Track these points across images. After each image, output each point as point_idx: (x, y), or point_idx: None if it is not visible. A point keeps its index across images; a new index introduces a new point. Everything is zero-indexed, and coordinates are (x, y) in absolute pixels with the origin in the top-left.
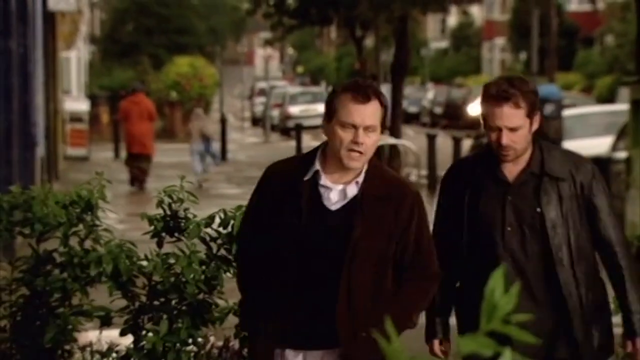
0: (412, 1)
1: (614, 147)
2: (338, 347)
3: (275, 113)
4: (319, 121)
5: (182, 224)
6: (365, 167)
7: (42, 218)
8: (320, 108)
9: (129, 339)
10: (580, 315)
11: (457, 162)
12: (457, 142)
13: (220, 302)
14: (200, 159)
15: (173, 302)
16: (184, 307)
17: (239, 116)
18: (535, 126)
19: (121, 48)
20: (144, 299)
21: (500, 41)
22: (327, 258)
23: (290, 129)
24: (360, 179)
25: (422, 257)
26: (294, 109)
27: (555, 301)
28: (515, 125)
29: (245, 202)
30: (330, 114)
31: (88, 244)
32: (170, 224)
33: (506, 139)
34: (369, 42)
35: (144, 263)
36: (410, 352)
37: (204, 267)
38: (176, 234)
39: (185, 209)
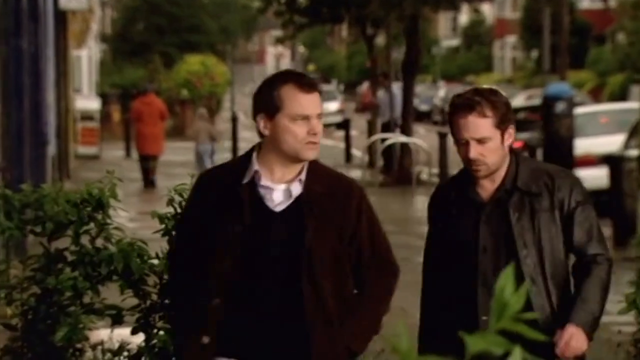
0: None
1: (626, 145)
2: None
3: None
4: (330, 119)
5: None
6: (306, 164)
7: (53, 216)
8: (332, 106)
9: (140, 338)
10: (553, 331)
11: (437, 187)
12: None
13: None
14: (206, 158)
15: None
16: None
17: (250, 115)
18: (509, 140)
19: (132, 46)
20: (155, 297)
21: (511, 39)
22: (279, 265)
23: None
24: (303, 176)
25: (380, 253)
26: None
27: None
28: (482, 136)
29: None
30: (271, 110)
31: (99, 242)
32: None
33: (474, 151)
34: (380, 40)
35: (155, 261)
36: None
37: None
38: None
39: None
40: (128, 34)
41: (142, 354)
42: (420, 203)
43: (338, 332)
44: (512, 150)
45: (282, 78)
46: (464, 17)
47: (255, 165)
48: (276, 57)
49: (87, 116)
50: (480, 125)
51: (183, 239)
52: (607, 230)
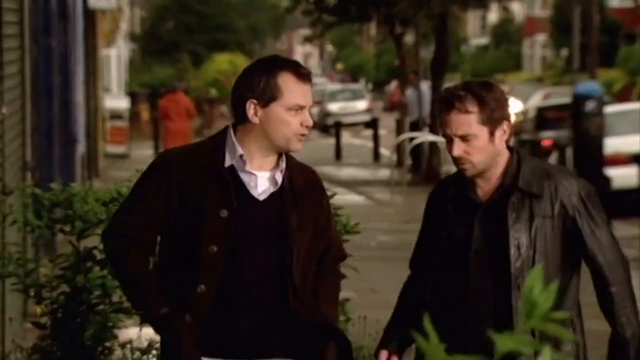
0: None
1: None
2: (287, 357)
3: (315, 110)
4: (358, 118)
5: None
6: (283, 155)
7: (82, 215)
8: (360, 105)
9: None
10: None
11: (437, 184)
12: None
13: None
14: None
15: None
16: None
17: None
18: (503, 137)
19: (161, 45)
20: None
21: (541, 37)
22: (262, 254)
23: (330, 126)
24: (283, 166)
25: (335, 242)
26: (333, 106)
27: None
28: (465, 132)
29: None
30: (266, 97)
31: None
32: None
33: (457, 149)
34: (409, 38)
35: None
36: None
37: None
38: None
39: None
40: (157, 33)
41: None
42: None
43: (319, 318)
44: (512, 148)
45: (279, 65)
46: (494, 15)
47: (240, 150)
48: (304, 56)
49: (116, 115)
50: (463, 121)
51: (139, 219)
52: (637, 230)
